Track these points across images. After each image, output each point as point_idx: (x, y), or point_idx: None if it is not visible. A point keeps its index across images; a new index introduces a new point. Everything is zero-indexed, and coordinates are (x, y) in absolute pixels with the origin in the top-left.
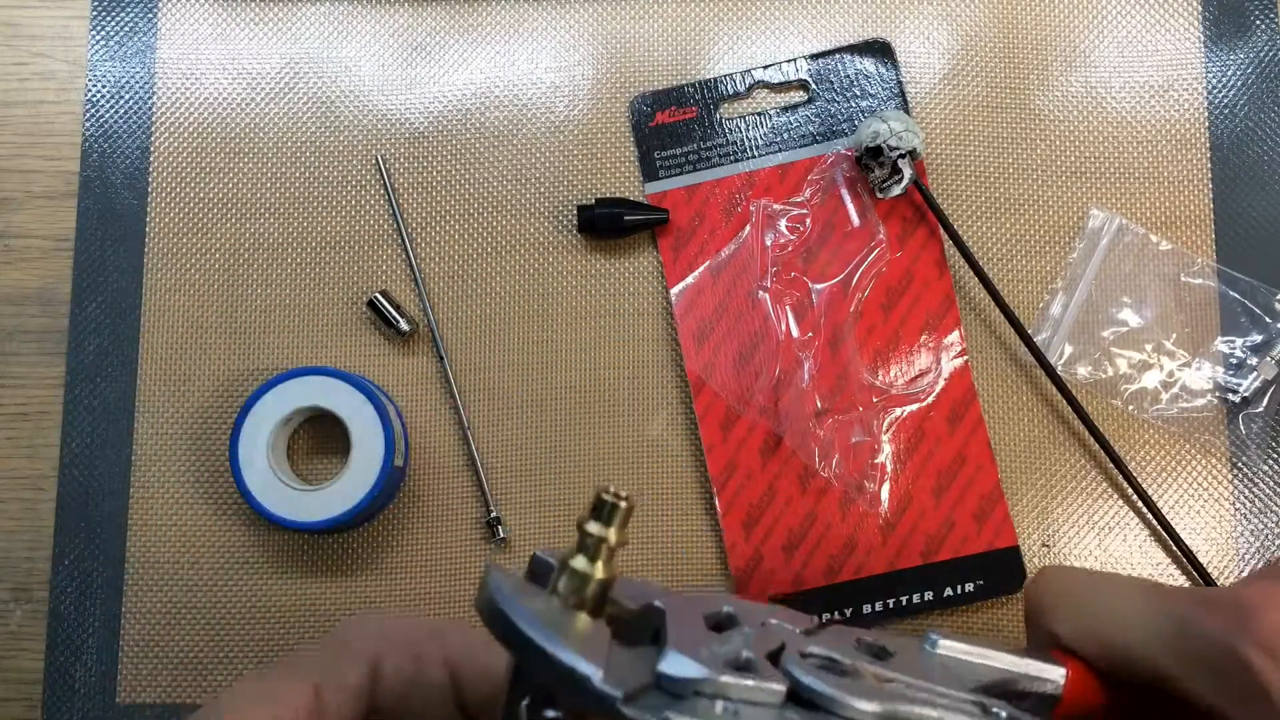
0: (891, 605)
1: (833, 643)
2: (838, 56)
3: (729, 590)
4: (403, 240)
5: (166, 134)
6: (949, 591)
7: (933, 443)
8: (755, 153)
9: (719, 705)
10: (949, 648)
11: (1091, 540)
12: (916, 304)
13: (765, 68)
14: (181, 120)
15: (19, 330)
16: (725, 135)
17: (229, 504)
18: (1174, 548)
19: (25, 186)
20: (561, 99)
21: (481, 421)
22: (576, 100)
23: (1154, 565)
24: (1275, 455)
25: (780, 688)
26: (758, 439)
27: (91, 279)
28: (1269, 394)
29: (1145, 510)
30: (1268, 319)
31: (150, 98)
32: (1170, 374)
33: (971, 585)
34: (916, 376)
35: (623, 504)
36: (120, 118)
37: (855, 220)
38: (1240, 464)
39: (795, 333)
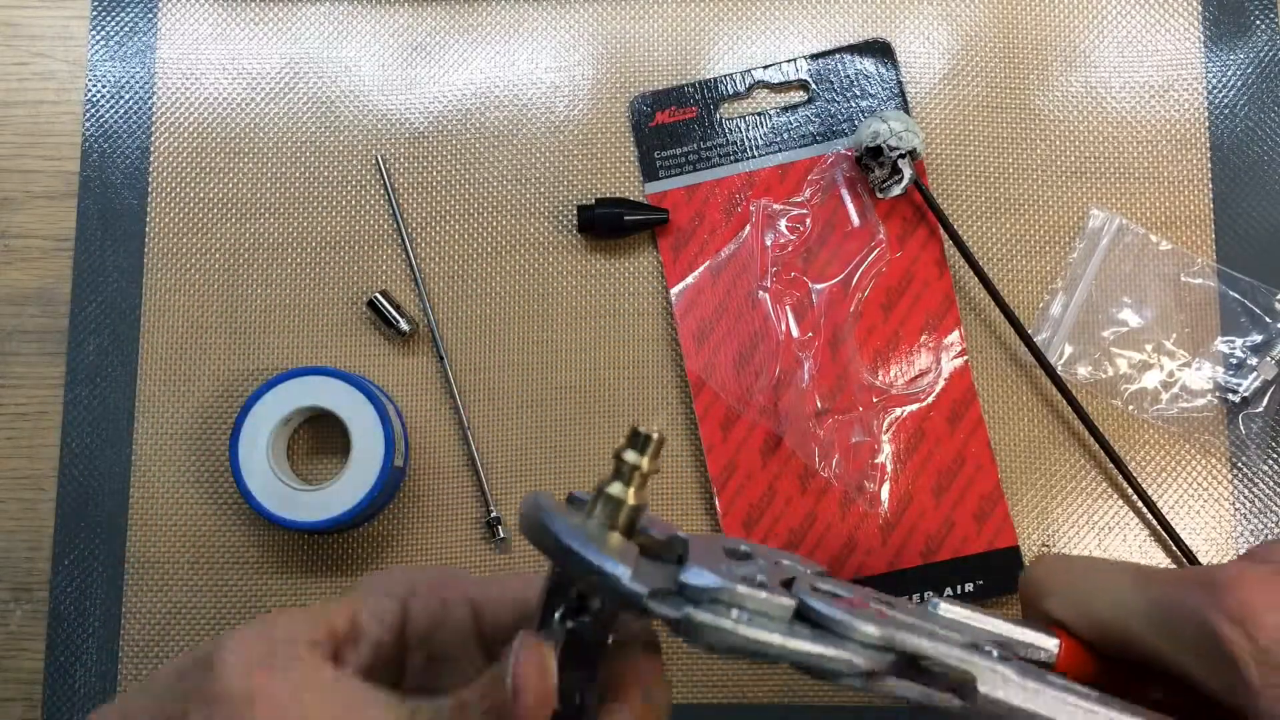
0: None
1: (840, 585)
2: (838, 56)
3: None
4: (403, 240)
5: (166, 134)
6: (949, 591)
7: (933, 443)
8: (755, 153)
9: (734, 612)
10: (950, 610)
11: (1091, 540)
12: (916, 304)
13: (765, 68)
14: (181, 120)
15: (19, 330)
16: (725, 135)
17: (229, 504)
18: (1174, 548)
19: (25, 186)
20: (561, 99)
21: (481, 421)
22: (576, 100)
23: (1154, 565)
24: (1275, 455)
25: (790, 602)
26: (758, 439)
27: (91, 279)
28: (1269, 394)
29: (1145, 510)
30: (1268, 319)
31: (150, 98)
32: (1170, 374)
33: (971, 585)
34: (916, 376)
35: (655, 436)
36: (120, 118)
37: (855, 220)
38: (1240, 464)
39: (795, 333)
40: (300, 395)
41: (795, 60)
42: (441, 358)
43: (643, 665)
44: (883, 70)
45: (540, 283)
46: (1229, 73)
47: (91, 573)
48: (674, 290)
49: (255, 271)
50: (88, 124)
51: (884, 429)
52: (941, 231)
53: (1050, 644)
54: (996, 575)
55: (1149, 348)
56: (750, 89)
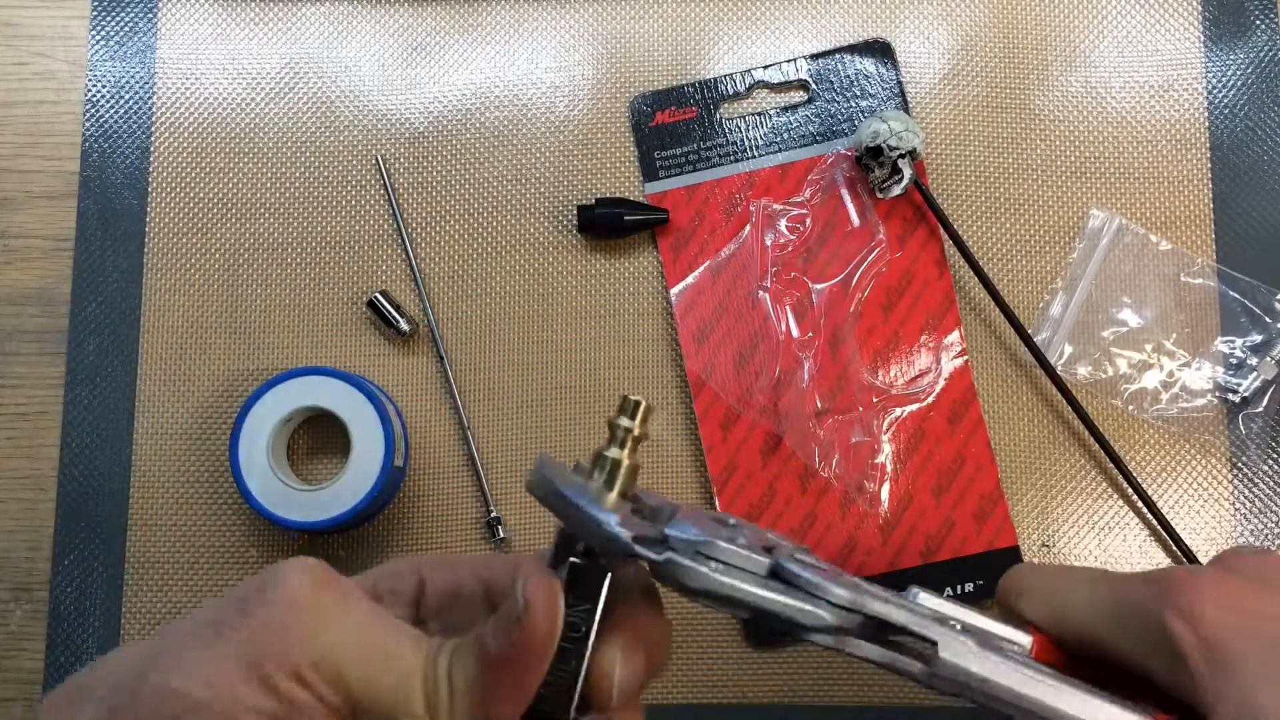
0: None
1: (819, 561)
2: (838, 56)
3: None
4: (403, 240)
5: (166, 134)
6: (949, 591)
7: (933, 443)
8: (755, 153)
9: (712, 564)
10: (928, 600)
11: (1091, 540)
12: (916, 304)
13: (765, 68)
14: (181, 120)
15: (19, 330)
16: (725, 135)
17: (229, 504)
18: (1174, 548)
19: (25, 186)
20: (561, 99)
21: (481, 421)
22: (576, 100)
23: (1154, 565)
24: (1275, 455)
25: (766, 560)
26: (758, 439)
27: (91, 279)
28: (1269, 394)
29: (1145, 510)
30: (1268, 319)
31: (150, 98)
32: (1170, 374)
33: (971, 585)
34: (916, 376)
35: (644, 401)
36: (120, 118)
37: (855, 220)
38: (1240, 464)
39: (795, 333)
40: (300, 395)
41: (795, 60)
42: (441, 358)
43: (639, 607)
44: (883, 70)
45: (540, 283)
46: (1229, 73)
47: (91, 573)
48: (674, 290)
49: (255, 271)
50: (88, 124)
51: (884, 429)
52: (941, 231)
53: (1023, 639)
54: (996, 575)
55: (1149, 348)
56: (750, 89)
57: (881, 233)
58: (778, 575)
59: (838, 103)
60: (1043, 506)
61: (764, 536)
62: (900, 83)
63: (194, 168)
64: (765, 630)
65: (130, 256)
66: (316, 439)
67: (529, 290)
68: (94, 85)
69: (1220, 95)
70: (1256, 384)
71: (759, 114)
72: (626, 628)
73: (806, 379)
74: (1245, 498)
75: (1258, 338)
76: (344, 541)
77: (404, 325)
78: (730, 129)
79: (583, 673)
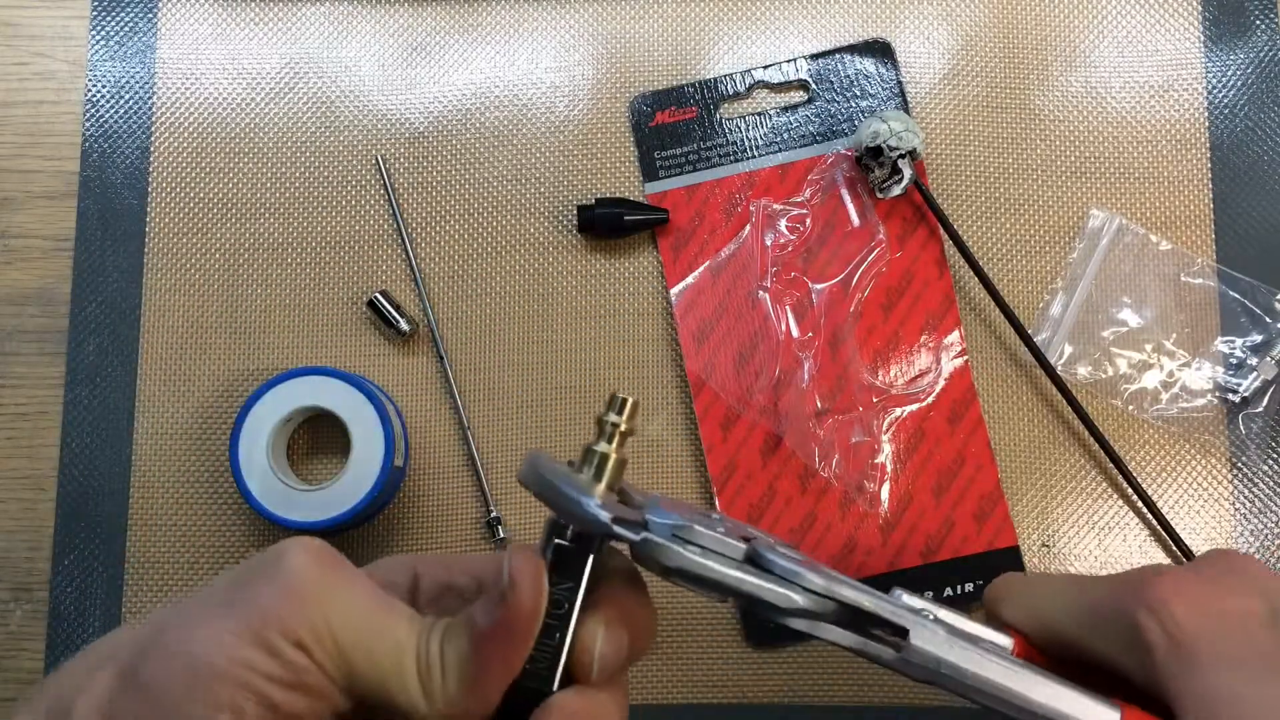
0: None
1: (798, 554)
2: (838, 56)
3: None
4: (403, 240)
5: (166, 134)
6: (949, 591)
7: (933, 443)
8: (755, 153)
9: (689, 546)
10: (911, 600)
11: (1091, 540)
12: (916, 304)
13: (765, 68)
14: (181, 120)
15: (19, 330)
16: (725, 135)
17: (229, 504)
18: (1174, 548)
19: (25, 186)
20: (561, 99)
21: (481, 421)
22: (576, 100)
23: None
24: (1275, 455)
25: (742, 545)
26: (758, 439)
27: (91, 279)
28: (1269, 394)
29: (1145, 510)
30: (1268, 319)
31: (150, 98)
32: (1170, 374)
33: (971, 585)
34: (916, 376)
35: (631, 398)
36: (120, 118)
37: (855, 220)
38: (1240, 464)
39: (795, 333)
40: (300, 395)
41: (795, 60)
42: (441, 358)
43: (623, 590)
44: (883, 70)
45: (540, 283)
46: (1229, 73)
47: (91, 573)
48: (674, 290)
49: (255, 271)
50: (88, 124)
51: (884, 429)
52: (941, 231)
53: (1005, 641)
54: (996, 575)
55: (1149, 348)
56: (750, 89)
57: (881, 233)
58: (754, 561)
59: (838, 103)
60: (1043, 506)
61: (745, 530)
62: (900, 83)
63: (194, 168)
64: (765, 630)
65: (130, 256)
66: (316, 439)
67: (529, 290)
68: (94, 85)
69: (1220, 95)
70: (1256, 384)
71: (759, 114)
72: (610, 607)
73: (806, 379)
74: (1245, 498)
75: (1258, 338)
76: (344, 541)
77: (404, 325)
78: (730, 129)
79: (566, 647)
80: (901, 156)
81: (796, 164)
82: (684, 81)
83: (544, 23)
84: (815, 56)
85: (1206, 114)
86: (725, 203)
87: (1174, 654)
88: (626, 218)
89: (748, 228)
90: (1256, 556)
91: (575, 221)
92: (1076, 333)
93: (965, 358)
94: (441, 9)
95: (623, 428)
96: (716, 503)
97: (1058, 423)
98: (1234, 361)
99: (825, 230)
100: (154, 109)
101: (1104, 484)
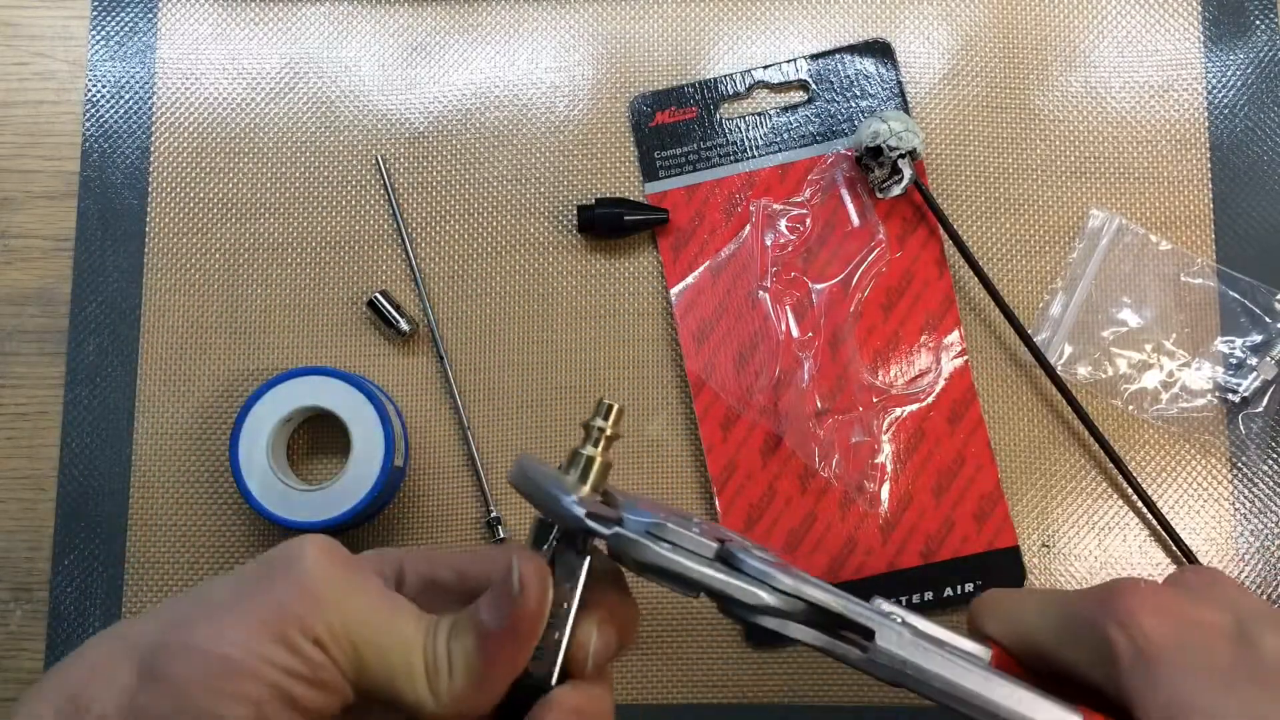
0: None
1: (774, 557)
2: (838, 56)
3: None
4: (403, 240)
5: (166, 134)
6: (949, 591)
7: (933, 443)
8: (755, 153)
9: (661, 543)
10: (889, 608)
11: (1091, 540)
12: (916, 304)
13: (765, 68)
14: (181, 120)
15: (19, 330)
16: (725, 135)
17: (229, 504)
18: (1174, 548)
19: (25, 186)
20: (561, 99)
21: (481, 421)
22: (576, 100)
23: (1154, 565)
24: (1275, 455)
25: (714, 544)
26: (758, 439)
27: (91, 279)
28: (1269, 394)
29: (1145, 510)
30: (1268, 319)
31: (150, 98)
32: (1170, 374)
33: (971, 585)
34: (916, 376)
35: (617, 405)
36: (120, 118)
37: (855, 220)
38: (1240, 464)
39: (795, 333)
40: (300, 395)
41: (795, 60)
42: (441, 358)
43: (609, 591)
44: (883, 70)
45: (540, 283)
46: (1229, 73)
47: (91, 573)
48: (674, 290)
49: (255, 271)
50: (88, 124)
51: (884, 429)
52: (941, 231)
53: (982, 651)
54: (996, 575)
55: (1149, 348)
56: (750, 89)
57: (881, 233)
58: (726, 561)
59: (838, 103)
60: (1043, 506)
61: (723, 533)
62: (900, 83)
63: (194, 168)
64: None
65: (130, 256)
66: (316, 439)
67: (529, 290)
68: (94, 85)
69: (1220, 95)
70: (1256, 384)
71: (759, 114)
72: (600, 607)
73: (806, 379)
74: (1245, 498)
75: (1258, 338)
76: (344, 541)
77: (404, 325)
78: (730, 129)
79: (564, 644)
80: (901, 156)
81: (796, 164)
82: (684, 81)
83: (544, 23)
84: (815, 56)
85: (1206, 114)
86: (725, 203)
87: (1139, 664)
88: (626, 218)
89: (748, 228)
90: (1257, 553)
91: (575, 221)
92: (1076, 333)
93: (965, 358)
94: (441, 9)
95: (608, 432)
96: (717, 503)
97: (1058, 423)
98: (1234, 361)
99: (825, 230)
100: (154, 109)
101: (1104, 484)
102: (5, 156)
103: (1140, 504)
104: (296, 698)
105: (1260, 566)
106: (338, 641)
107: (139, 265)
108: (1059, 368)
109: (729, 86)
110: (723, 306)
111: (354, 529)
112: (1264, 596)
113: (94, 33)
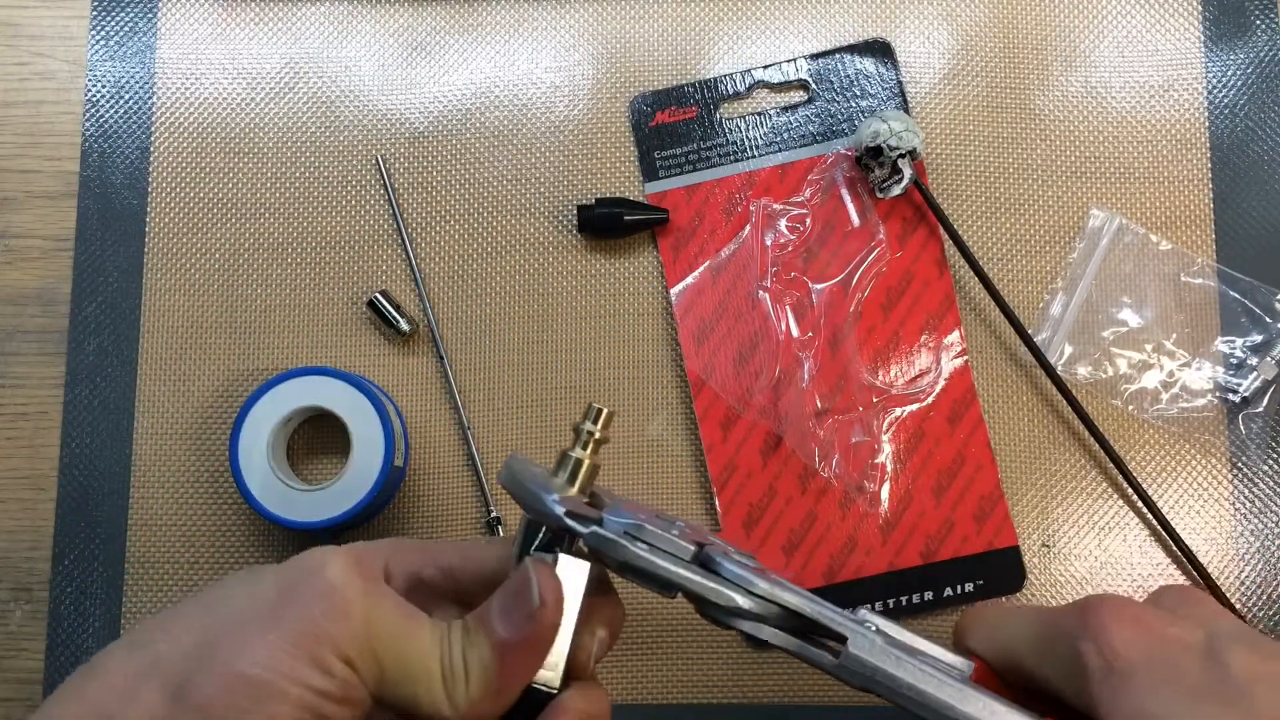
0: (891, 605)
1: (756, 563)
2: (838, 56)
3: None
4: (403, 240)
5: (166, 134)
6: (949, 591)
7: (933, 443)
8: (755, 153)
9: (638, 544)
10: (873, 618)
11: (1091, 540)
12: (916, 304)
13: (765, 68)
14: (181, 120)
15: (19, 330)
16: (725, 135)
17: (229, 504)
18: (1174, 548)
19: (25, 186)
20: (561, 99)
21: (481, 421)
22: (576, 100)
23: (1154, 565)
24: (1275, 455)
25: (691, 547)
26: (758, 439)
27: (91, 279)
28: (1269, 394)
29: (1145, 510)
30: (1268, 319)
31: (150, 98)
32: (1170, 374)
33: (971, 585)
34: (916, 376)
35: (605, 409)
36: (120, 118)
37: (855, 220)
38: (1240, 464)
39: (795, 333)
40: (300, 395)
41: (795, 60)
42: (441, 358)
43: (600, 594)
44: (883, 70)
45: (540, 283)
46: (1229, 73)
47: (91, 573)
48: (674, 290)
49: (255, 271)
50: (88, 124)
51: (884, 429)
52: (941, 231)
53: (964, 664)
54: (996, 575)
55: (1149, 348)
56: (750, 89)
57: (881, 233)
58: (703, 564)
59: (838, 103)
60: (1043, 506)
61: (706, 537)
62: (900, 83)
63: (194, 168)
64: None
65: (130, 256)
66: (316, 439)
67: (529, 290)
68: (94, 85)
69: (1220, 95)
70: (1256, 384)
71: (759, 114)
72: (595, 610)
73: (806, 379)
74: (1245, 498)
75: (1258, 338)
76: (344, 541)
77: (404, 325)
78: (730, 129)
79: (567, 649)
80: (901, 156)
81: (796, 164)
82: (684, 81)
83: (544, 23)
84: (815, 56)
85: (1206, 114)
86: (725, 203)
87: (1108, 679)
88: (626, 218)
89: (748, 228)
90: (1257, 553)
91: (575, 221)
92: (1076, 333)
93: (965, 358)
94: (441, 9)
95: (597, 435)
96: (717, 503)
97: (1058, 423)
98: (1234, 361)
99: (825, 230)
100: (154, 109)
101: (1104, 484)
102: (5, 156)
103: (1140, 504)
104: (327, 716)
105: (1260, 566)
106: (364, 657)
107: (139, 265)
108: (1059, 368)
109: (729, 86)
110: (723, 306)
111: (354, 529)
112: (1264, 597)
113: (94, 33)
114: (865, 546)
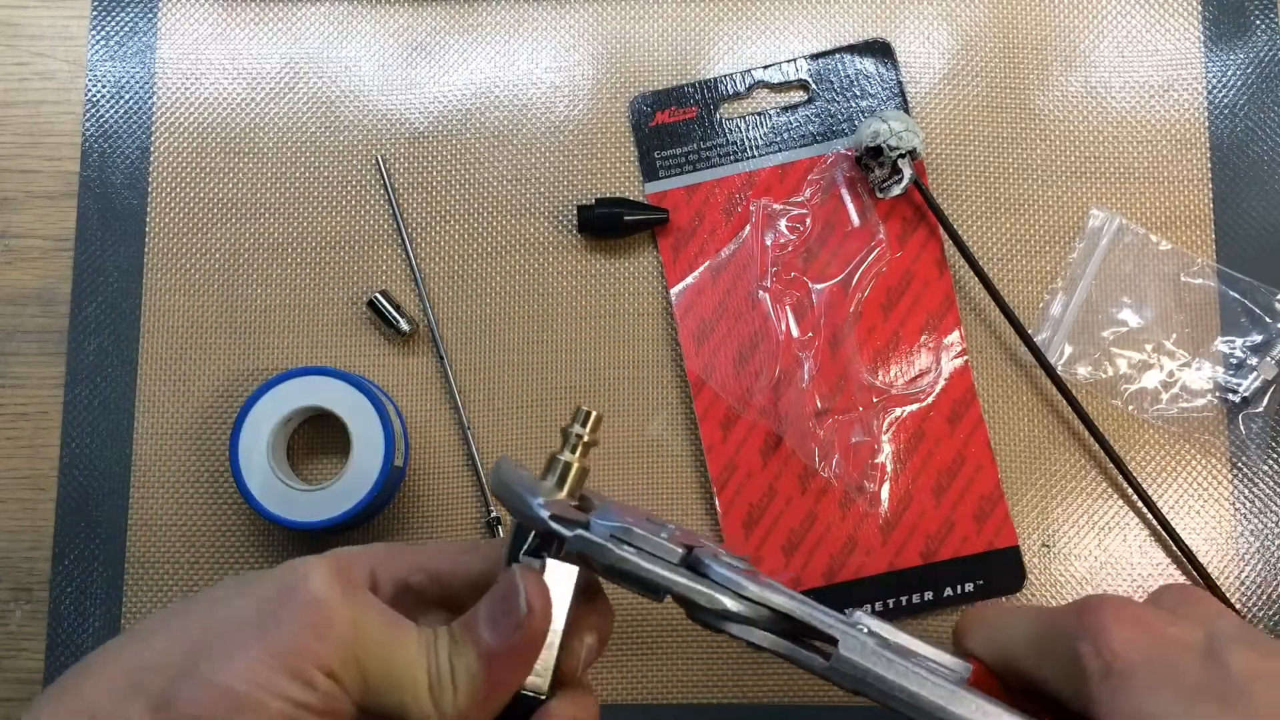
0: (891, 605)
1: (746, 565)
2: (838, 56)
3: None
4: (403, 240)
5: (166, 134)
6: (949, 591)
7: (933, 443)
8: (755, 153)
9: (625, 547)
10: (867, 620)
11: (1091, 540)
12: (916, 304)
13: (765, 68)
14: (181, 120)
15: (19, 330)
16: (725, 135)
17: (229, 504)
18: (1174, 548)
19: (25, 186)
20: (561, 99)
21: (481, 421)
22: (576, 100)
23: (1154, 565)
24: (1275, 455)
25: (679, 550)
26: (758, 439)
27: (91, 279)
28: (1269, 394)
29: (1145, 510)
30: (1268, 319)
31: (150, 98)
32: (1170, 374)
33: (971, 585)
34: (916, 376)
35: (593, 412)
36: (120, 118)
37: (855, 220)
38: (1240, 464)
39: (795, 333)
40: (300, 395)
41: (795, 60)
42: (441, 358)
43: (589, 600)
44: (883, 70)
45: (540, 283)
46: (1229, 73)
47: (91, 573)
48: (674, 290)
49: (255, 271)
50: (88, 124)
51: (884, 429)
52: (941, 231)
53: (961, 667)
54: (996, 575)
55: (1149, 348)
56: (750, 89)
57: (881, 233)
58: (692, 567)
59: (838, 103)
60: (1043, 506)
61: (696, 540)
62: (900, 83)
63: (194, 168)
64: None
65: (130, 256)
66: (316, 439)
67: (529, 290)
68: (94, 85)
69: (1220, 95)
70: (1256, 384)
71: (759, 114)
72: (585, 616)
73: (806, 379)
74: (1245, 498)
75: (1258, 338)
76: (344, 542)
77: (404, 325)
78: (730, 129)
79: (555, 655)
80: (901, 156)
81: (796, 164)
82: (684, 81)
83: (544, 23)
84: (815, 56)
85: (1206, 114)
86: (725, 203)
87: (1107, 679)
88: (626, 218)
89: (748, 228)
90: (1257, 553)
91: (575, 221)
92: (1076, 333)
93: (965, 358)
94: (441, 9)
95: (585, 438)
96: (717, 503)
97: (1058, 423)
98: (1234, 361)
99: (825, 230)
100: (154, 109)
101: (1104, 484)
102: (5, 156)
103: (1140, 504)
104: None
105: (1260, 566)
106: (348, 669)
107: (139, 265)
108: (1059, 368)
109: (729, 86)
110: (723, 306)
111: (354, 529)
112: (1264, 597)
113: (94, 33)
114: (865, 546)
